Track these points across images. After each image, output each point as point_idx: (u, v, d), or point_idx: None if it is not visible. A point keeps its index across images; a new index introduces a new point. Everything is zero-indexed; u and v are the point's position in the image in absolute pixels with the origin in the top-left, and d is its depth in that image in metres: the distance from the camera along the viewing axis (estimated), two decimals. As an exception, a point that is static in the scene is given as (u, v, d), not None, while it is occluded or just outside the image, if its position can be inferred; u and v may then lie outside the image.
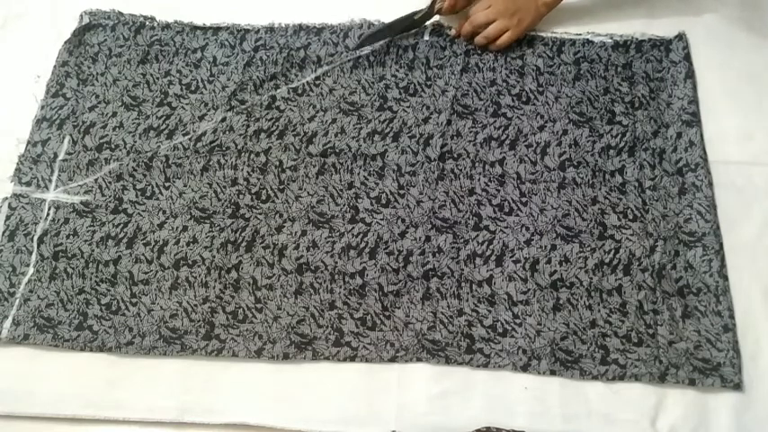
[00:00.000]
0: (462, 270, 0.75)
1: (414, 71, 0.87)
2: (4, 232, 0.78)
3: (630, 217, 0.76)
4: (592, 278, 0.74)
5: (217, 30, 0.92)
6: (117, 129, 0.85)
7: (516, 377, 0.70)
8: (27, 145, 0.84)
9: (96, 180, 0.81)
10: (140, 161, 0.82)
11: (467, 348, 0.71)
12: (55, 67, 0.89)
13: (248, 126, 0.84)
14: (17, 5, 0.96)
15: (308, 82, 0.87)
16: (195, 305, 0.74)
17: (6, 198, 0.81)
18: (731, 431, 0.66)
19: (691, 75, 0.84)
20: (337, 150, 0.82)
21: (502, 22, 0.86)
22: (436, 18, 0.90)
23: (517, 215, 0.77)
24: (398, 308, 0.73)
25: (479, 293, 0.73)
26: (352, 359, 0.71)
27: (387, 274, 0.75)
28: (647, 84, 0.85)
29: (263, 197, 0.80)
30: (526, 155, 0.81)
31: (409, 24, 0.88)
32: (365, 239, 0.77)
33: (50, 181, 0.82)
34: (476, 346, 0.71)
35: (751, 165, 0.80)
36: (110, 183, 0.81)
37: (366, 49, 0.88)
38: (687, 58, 0.85)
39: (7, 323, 0.73)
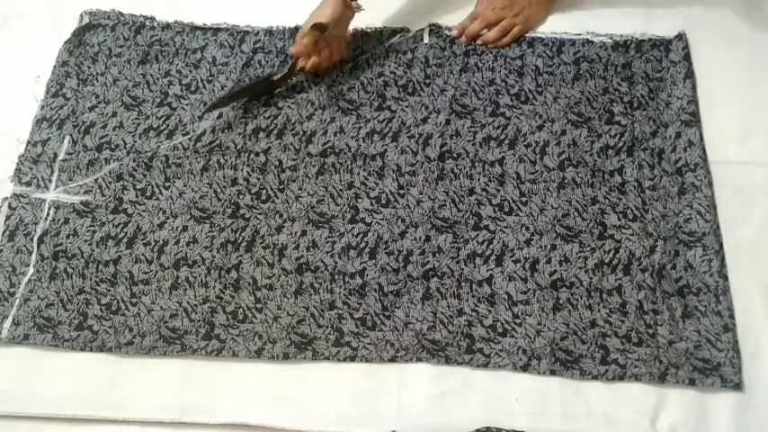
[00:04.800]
0: (462, 270, 0.75)
1: (412, 69, 0.87)
2: (4, 232, 0.78)
3: (630, 217, 0.76)
4: (592, 278, 0.74)
5: (216, 30, 0.92)
6: (117, 129, 0.85)
7: (516, 377, 0.70)
8: (27, 145, 0.84)
9: (96, 180, 0.81)
10: (140, 161, 0.82)
11: (467, 348, 0.71)
12: (55, 67, 0.89)
13: (247, 124, 0.84)
14: (17, 5, 0.97)
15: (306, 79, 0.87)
16: (195, 305, 0.74)
17: (6, 198, 0.81)
18: (731, 431, 0.66)
19: (690, 75, 0.84)
20: (337, 150, 0.82)
21: (509, 20, 0.88)
22: (297, 77, 0.86)
23: (517, 215, 0.77)
24: (398, 308, 0.73)
25: (479, 293, 0.73)
26: (352, 359, 0.71)
27: (387, 274, 0.75)
28: (647, 84, 0.85)
29: (263, 197, 0.80)
30: (525, 154, 0.81)
31: (267, 85, 0.84)
32: (365, 239, 0.77)
33: (50, 181, 0.81)
34: (476, 346, 0.71)
35: (751, 165, 0.80)
36: (110, 183, 0.81)
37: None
38: (687, 57, 0.85)
39: (7, 323, 0.73)
